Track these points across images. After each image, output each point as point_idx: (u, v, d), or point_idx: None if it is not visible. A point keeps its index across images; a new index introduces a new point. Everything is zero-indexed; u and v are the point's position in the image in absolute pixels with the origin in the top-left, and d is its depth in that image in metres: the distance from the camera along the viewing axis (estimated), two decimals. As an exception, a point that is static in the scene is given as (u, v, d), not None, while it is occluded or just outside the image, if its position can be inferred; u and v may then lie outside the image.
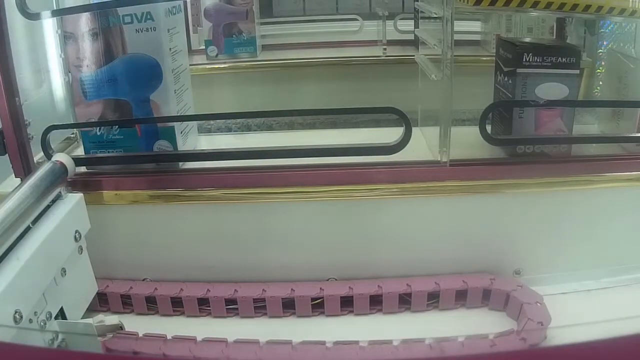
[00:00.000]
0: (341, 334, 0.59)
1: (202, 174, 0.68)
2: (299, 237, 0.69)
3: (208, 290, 0.66)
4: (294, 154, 0.66)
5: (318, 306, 0.65)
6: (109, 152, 0.70)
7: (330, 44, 1.27)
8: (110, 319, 0.58)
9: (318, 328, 0.64)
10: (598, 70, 0.81)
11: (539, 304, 0.61)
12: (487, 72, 0.75)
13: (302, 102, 1.10)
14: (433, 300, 0.65)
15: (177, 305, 0.67)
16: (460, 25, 0.75)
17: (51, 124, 0.68)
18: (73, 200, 0.60)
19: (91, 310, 0.63)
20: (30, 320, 0.50)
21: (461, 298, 0.65)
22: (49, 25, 0.74)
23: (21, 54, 0.70)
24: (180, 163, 0.71)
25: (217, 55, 1.21)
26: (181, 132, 0.72)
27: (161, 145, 0.70)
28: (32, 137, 0.67)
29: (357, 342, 0.56)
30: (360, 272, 0.68)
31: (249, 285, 0.66)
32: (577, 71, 0.66)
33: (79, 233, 0.60)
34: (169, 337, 0.58)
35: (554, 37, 1.01)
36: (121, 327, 0.58)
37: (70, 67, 0.68)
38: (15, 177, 0.67)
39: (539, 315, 0.59)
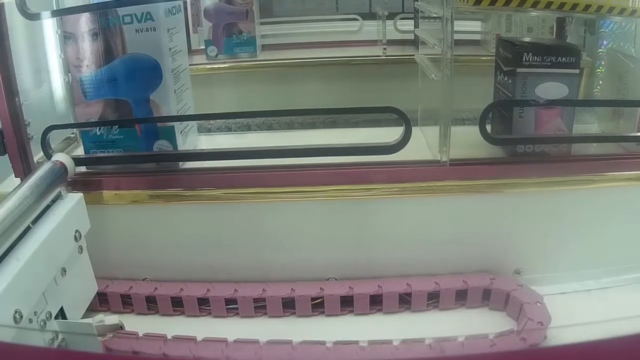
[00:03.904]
0: (341, 334, 0.59)
1: (202, 174, 0.68)
2: (299, 237, 0.69)
3: (208, 290, 0.66)
4: (294, 153, 0.66)
5: (318, 306, 0.65)
6: (109, 152, 0.70)
7: (330, 44, 1.27)
8: (110, 319, 0.58)
9: (318, 328, 0.64)
10: (598, 70, 0.81)
11: (539, 304, 0.61)
12: (487, 72, 0.75)
13: (302, 102, 1.10)
14: (433, 300, 0.65)
15: (177, 305, 0.67)
16: (460, 25, 0.75)
17: (51, 124, 0.68)
18: (73, 200, 0.60)
19: (91, 310, 0.63)
20: (30, 320, 0.50)
21: (461, 298, 0.65)
22: (49, 25, 0.74)
23: (21, 54, 0.70)
24: (180, 163, 0.71)
25: (217, 55, 1.21)
26: (181, 132, 0.72)
27: (161, 145, 0.70)
28: (32, 137, 0.67)
29: (357, 342, 0.56)
30: (360, 272, 0.68)
31: (249, 285, 0.66)
32: (577, 71, 0.66)
33: (79, 233, 0.60)
34: (169, 337, 0.58)
35: (554, 37, 1.00)
36: (121, 327, 0.58)
37: (70, 67, 0.68)
38: (15, 177, 0.67)
39: (539, 315, 0.59)
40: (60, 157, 0.62)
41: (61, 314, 0.56)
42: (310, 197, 0.66)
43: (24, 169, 0.66)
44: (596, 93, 0.82)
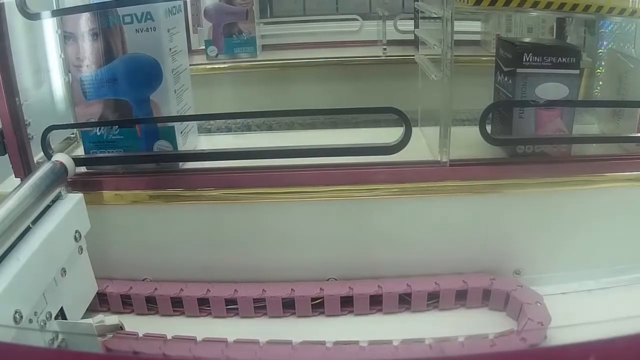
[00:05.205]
0: (341, 334, 0.59)
1: (202, 174, 0.68)
2: (299, 237, 0.69)
3: (208, 290, 0.66)
4: (294, 154, 0.66)
5: (318, 306, 0.65)
6: (109, 152, 0.70)
7: (330, 44, 1.27)
8: (110, 319, 0.58)
9: (318, 328, 0.64)
10: (598, 70, 0.81)
11: (539, 304, 0.61)
12: (487, 72, 0.75)
13: (302, 102, 1.11)
14: (433, 300, 0.65)
15: (177, 305, 0.67)
16: (460, 25, 0.75)
17: (51, 124, 0.68)
18: (73, 200, 0.60)
19: (91, 310, 0.63)
20: (30, 320, 0.50)
21: (461, 298, 0.65)
22: (49, 25, 0.74)
23: (21, 54, 0.70)
24: (180, 163, 0.71)
25: (217, 55, 1.21)
26: (181, 132, 0.72)
27: (161, 145, 0.70)
28: (32, 137, 0.67)
29: (357, 342, 0.56)
30: (360, 272, 0.68)
31: (249, 285, 0.66)
32: (577, 71, 0.66)
33: (79, 233, 0.60)
34: (169, 337, 0.58)
35: (554, 37, 1.01)
36: (121, 327, 0.58)
37: (70, 67, 0.68)
38: (15, 177, 0.67)
39: (539, 315, 0.59)
40: (60, 157, 0.62)
41: (61, 314, 0.56)
42: (310, 197, 0.66)
43: (24, 169, 0.66)
44: (596, 93, 0.82)
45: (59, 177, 0.60)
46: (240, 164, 0.68)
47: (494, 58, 0.74)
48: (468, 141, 0.68)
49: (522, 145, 0.68)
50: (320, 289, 0.65)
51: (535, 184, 0.65)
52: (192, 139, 0.77)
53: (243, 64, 1.20)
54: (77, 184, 0.66)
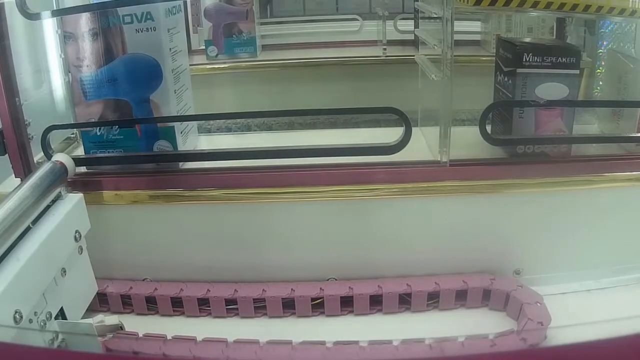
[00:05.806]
0: (341, 334, 0.59)
1: (202, 174, 0.68)
2: (299, 237, 0.69)
3: (208, 290, 0.66)
4: (294, 154, 0.66)
5: (318, 306, 0.65)
6: (109, 152, 0.70)
7: (330, 44, 1.27)
8: (110, 319, 0.58)
9: (318, 328, 0.64)
10: (598, 70, 0.81)
11: (539, 304, 0.61)
12: (487, 72, 0.75)
13: (302, 102, 1.11)
14: (433, 300, 0.65)
15: (177, 305, 0.67)
16: (460, 25, 0.75)
17: (51, 124, 0.68)
18: (73, 200, 0.60)
19: (91, 310, 0.63)
20: (30, 320, 0.50)
21: (461, 298, 0.65)
22: (49, 25, 0.74)
23: (21, 54, 0.70)
24: (180, 163, 0.71)
25: (217, 55, 1.21)
26: (181, 132, 0.72)
27: (161, 145, 0.70)
28: (32, 137, 0.67)
29: (357, 342, 0.56)
30: (360, 272, 0.68)
31: (249, 285, 0.66)
32: (577, 71, 0.66)
33: (79, 233, 0.60)
34: (169, 337, 0.58)
35: (554, 37, 1.01)
36: (121, 327, 0.58)
37: (70, 67, 0.68)
38: (15, 177, 0.67)
39: (539, 315, 0.59)
40: (60, 157, 0.62)
41: (61, 314, 0.56)
42: (310, 197, 0.66)
43: (24, 169, 0.66)
44: (596, 93, 0.82)
45: (59, 177, 0.60)
46: (240, 164, 0.68)
47: (494, 58, 0.74)
48: (468, 141, 0.68)
49: (522, 145, 0.68)
50: (320, 289, 0.65)
51: (535, 184, 0.65)
52: (192, 139, 0.77)
53: (243, 64, 1.20)
54: (77, 184, 0.66)
